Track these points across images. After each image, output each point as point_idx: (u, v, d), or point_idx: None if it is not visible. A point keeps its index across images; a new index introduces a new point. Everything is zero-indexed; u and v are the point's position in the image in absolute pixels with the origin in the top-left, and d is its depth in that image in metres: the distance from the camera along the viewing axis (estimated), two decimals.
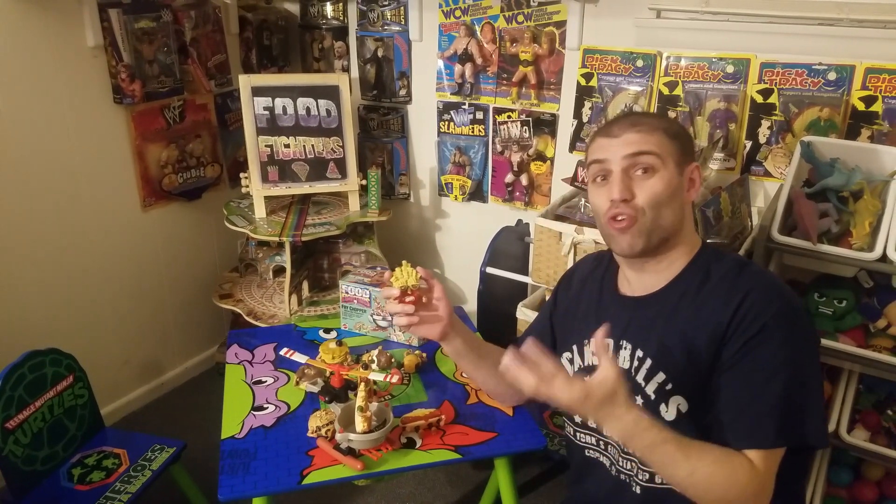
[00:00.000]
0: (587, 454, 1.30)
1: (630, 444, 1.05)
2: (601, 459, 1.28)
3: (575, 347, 1.32)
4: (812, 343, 1.14)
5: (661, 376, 1.16)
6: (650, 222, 1.15)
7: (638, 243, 1.16)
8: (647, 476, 1.18)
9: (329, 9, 2.60)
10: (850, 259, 1.56)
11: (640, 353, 1.19)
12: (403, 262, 1.34)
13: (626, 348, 1.22)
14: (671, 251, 1.20)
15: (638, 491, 1.20)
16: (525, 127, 2.34)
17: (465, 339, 1.40)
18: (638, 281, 1.25)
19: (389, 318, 1.83)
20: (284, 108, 2.30)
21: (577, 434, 1.31)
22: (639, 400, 1.19)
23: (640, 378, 1.19)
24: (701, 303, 1.15)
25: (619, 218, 1.16)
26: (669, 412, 1.15)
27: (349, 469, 1.35)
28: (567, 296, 1.41)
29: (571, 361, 1.33)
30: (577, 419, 1.31)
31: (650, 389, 1.17)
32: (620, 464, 1.23)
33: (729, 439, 1.07)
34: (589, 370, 1.28)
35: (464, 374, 1.67)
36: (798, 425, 1.07)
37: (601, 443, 1.27)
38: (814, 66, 1.80)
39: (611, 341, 1.24)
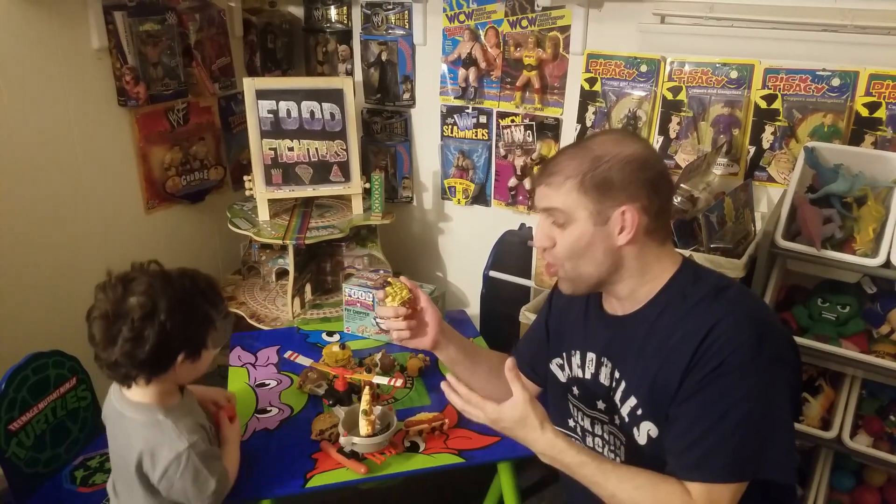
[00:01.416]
0: None
1: (553, 464, 1.12)
2: None
3: (564, 355, 1.32)
4: (778, 378, 1.08)
5: (632, 400, 1.16)
6: (570, 272, 1.17)
7: (567, 289, 1.21)
8: None
9: (333, 12, 2.61)
10: (854, 265, 1.56)
11: (616, 373, 1.19)
12: (390, 278, 1.33)
13: (606, 366, 1.22)
14: (618, 285, 1.18)
15: None
16: (528, 131, 2.35)
17: (457, 345, 1.39)
18: (614, 300, 1.23)
19: None
20: (288, 112, 2.30)
21: None
22: (616, 420, 1.20)
23: (616, 399, 1.19)
24: (672, 330, 1.12)
25: (546, 264, 1.21)
26: (641, 436, 1.15)
27: (353, 472, 1.35)
28: (561, 300, 1.39)
29: (562, 367, 1.33)
30: (571, 423, 1.31)
31: (624, 412, 1.18)
32: None
33: (675, 469, 1.07)
34: (576, 381, 1.28)
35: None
36: (751, 461, 1.04)
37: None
38: (818, 72, 1.80)
39: (594, 356, 1.24)
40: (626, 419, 1.17)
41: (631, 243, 1.14)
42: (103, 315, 1.18)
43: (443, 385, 1.19)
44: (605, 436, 1.24)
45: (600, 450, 1.25)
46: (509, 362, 1.14)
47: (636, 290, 1.17)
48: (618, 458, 1.21)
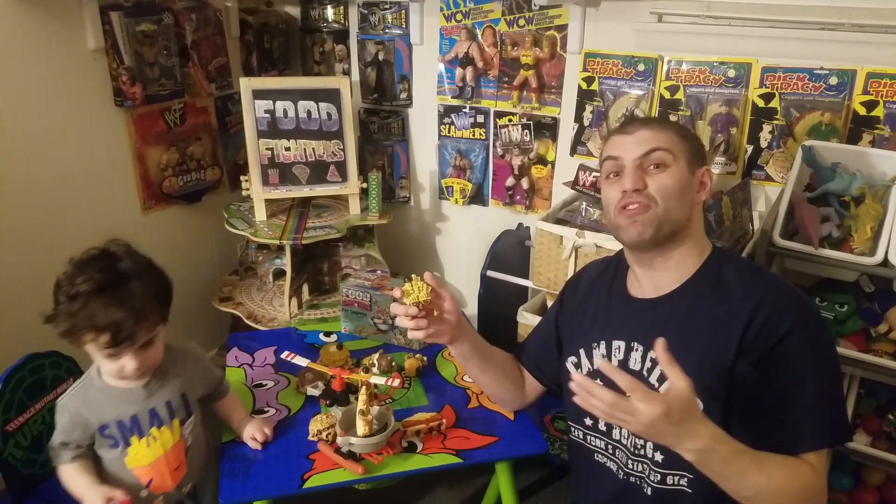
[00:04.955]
0: (596, 458, 1.29)
1: (705, 460, 1.00)
2: (608, 464, 1.27)
3: (582, 351, 1.31)
4: (832, 343, 1.17)
5: None
6: (662, 212, 1.18)
7: (647, 231, 1.18)
8: (659, 477, 1.18)
9: (330, 12, 2.60)
10: (852, 263, 1.56)
11: (652, 354, 1.19)
12: (413, 276, 1.34)
13: (637, 350, 1.22)
14: (679, 248, 1.21)
15: (649, 492, 1.20)
16: (526, 130, 2.34)
17: (472, 342, 1.41)
18: (648, 280, 1.25)
19: (390, 322, 1.83)
20: (285, 111, 2.30)
21: (588, 437, 1.30)
22: None
23: (653, 379, 1.20)
24: (717, 305, 1.16)
25: (631, 206, 1.19)
26: None
27: (350, 473, 1.35)
28: (574, 299, 1.41)
29: (577, 366, 1.32)
30: (588, 422, 1.29)
31: (663, 390, 1.17)
32: (630, 466, 1.23)
33: (783, 447, 1.09)
34: (596, 375, 1.28)
35: (465, 378, 1.67)
36: (840, 421, 1.12)
37: (609, 447, 1.26)
38: (815, 71, 1.80)
39: (621, 343, 1.24)
40: None
41: (699, 205, 1.24)
42: None
43: (576, 400, 1.01)
44: None
45: (626, 437, 1.23)
46: (659, 344, 0.99)
47: (685, 260, 1.22)
48: (648, 442, 1.20)
